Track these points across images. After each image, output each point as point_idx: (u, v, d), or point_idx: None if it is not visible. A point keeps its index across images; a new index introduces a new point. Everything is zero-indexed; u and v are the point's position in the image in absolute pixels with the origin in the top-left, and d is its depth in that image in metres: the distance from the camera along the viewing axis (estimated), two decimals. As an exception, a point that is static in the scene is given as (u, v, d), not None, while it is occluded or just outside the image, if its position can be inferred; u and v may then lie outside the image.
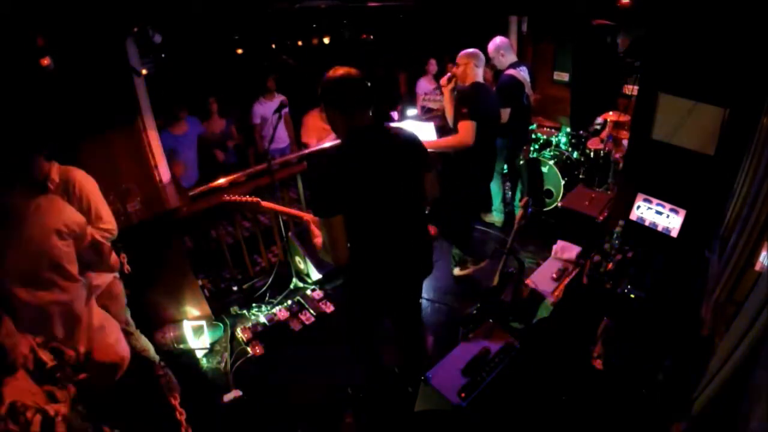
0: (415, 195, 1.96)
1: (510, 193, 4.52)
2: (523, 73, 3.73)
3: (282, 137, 4.64)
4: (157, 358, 2.67)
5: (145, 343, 2.60)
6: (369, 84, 1.75)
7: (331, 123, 1.85)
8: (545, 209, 4.51)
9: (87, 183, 2.15)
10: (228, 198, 2.49)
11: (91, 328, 1.99)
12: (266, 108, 4.43)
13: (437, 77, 5.40)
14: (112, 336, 2.12)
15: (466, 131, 2.92)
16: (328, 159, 1.82)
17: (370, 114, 1.82)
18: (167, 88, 4.37)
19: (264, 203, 2.47)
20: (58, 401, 1.38)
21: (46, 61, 2.11)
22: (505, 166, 4.20)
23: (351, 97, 1.73)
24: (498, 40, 3.74)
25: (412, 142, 1.92)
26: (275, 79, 4.52)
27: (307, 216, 2.28)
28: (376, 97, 1.89)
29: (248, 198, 2.47)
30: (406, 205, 1.93)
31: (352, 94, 1.73)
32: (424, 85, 5.33)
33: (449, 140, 3.06)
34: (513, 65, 3.72)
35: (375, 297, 2.08)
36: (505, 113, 3.67)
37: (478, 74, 3.10)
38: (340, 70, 1.73)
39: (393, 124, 3.38)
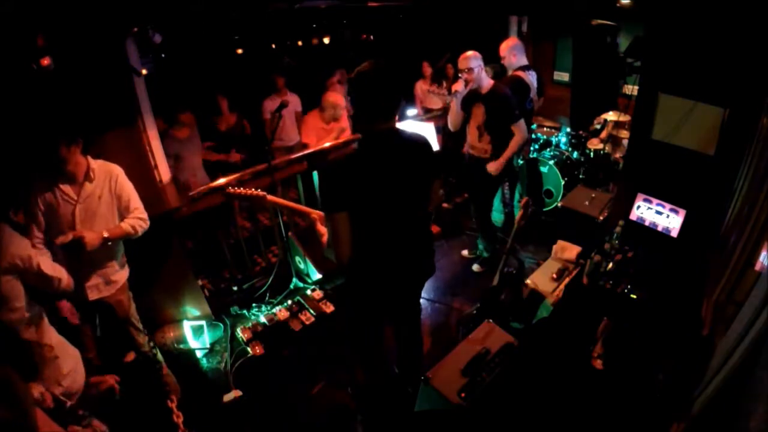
0: (421, 198, 1.96)
1: (509, 193, 4.52)
2: (530, 77, 3.75)
3: (291, 136, 4.63)
4: (161, 359, 2.67)
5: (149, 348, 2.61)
6: (400, 79, 1.72)
7: (361, 111, 1.82)
8: (545, 209, 4.51)
9: (124, 178, 2.30)
10: (233, 191, 2.49)
11: (43, 358, 1.92)
12: (276, 105, 4.44)
13: (436, 78, 5.40)
14: (67, 366, 2.00)
15: (522, 129, 3.26)
16: (340, 156, 1.81)
17: (395, 115, 1.80)
18: (168, 88, 4.37)
19: (270, 197, 2.47)
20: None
21: (46, 61, 2.12)
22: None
23: (379, 96, 1.71)
24: (513, 40, 3.77)
25: (424, 146, 1.93)
26: (284, 79, 4.52)
27: (314, 213, 2.28)
28: (403, 95, 1.88)
29: (255, 192, 2.47)
30: (412, 208, 1.93)
31: (381, 91, 1.71)
32: (422, 87, 5.33)
33: (516, 143, 3.27)
34: (522, 68, 3.73)
35: (376, 298, 2.08)
36: None
37: (485, 74, 3.22)
38: (372, 66, 1.70)
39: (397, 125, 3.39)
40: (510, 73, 3.79)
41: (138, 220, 2.30)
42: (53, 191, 2.11)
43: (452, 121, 3.45)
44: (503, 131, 3.23)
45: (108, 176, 2.22)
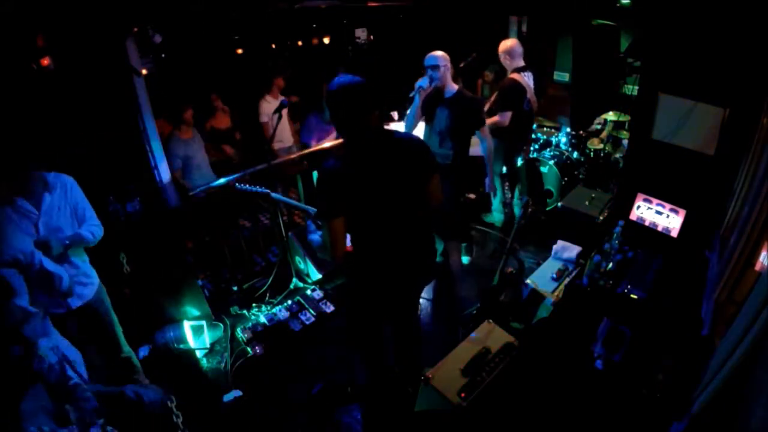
0: (417, 199, 1.95)
1: (510, 193, 4.52)
2: (527, 79, 3.74)
3: (287, 136, 4.62)
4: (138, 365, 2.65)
5: (129, 350, 2.59)
6: (373, 89, 1.75)
7: (336, 126, 1.86)
8: (546, 209, 4.51)
9: (77, 187, 2.24)
10: (240, 186, 2.58)
11: None
12: (273, 107, 4.43)
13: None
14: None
15: (489, 132, 3.23)
16: (333, 161, 1.83)
17: (376, 118, 1.82)
18: (169, 88, 4.36)
19: (273, 195, 2.55)
20: (70, 423, 1.31)
21: (46, 61, 2.12)
22: (504, 168, 4.21)
23: (355, 103, 1.74)
24: (509, 42, 3.74)
25: (418, 146, 1.93)
26: (284, 79, 4.51)
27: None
28: (381, 102, 1.91)
29: (259, 189, 2.56)
30: (408, 210, 1.93)
31: (355, 100, 1.73)
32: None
33: (489, 150, 3.25)
34: (518, 70, 3.72)
35: (376, 297, 2.08)
36: (506, 117, 3.68)
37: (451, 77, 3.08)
38: (343, 77, 1.74)
39: (393, 125, 3.39)
40: (508, 75, 3.79)
41: (94, 227, 2.28)
42: (12, 206, 2.03)
43: (410, 122, 3.17)
44: (467, 137, 3.10)
45: (63, 187, 2.19)
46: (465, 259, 3.78)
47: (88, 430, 1.35)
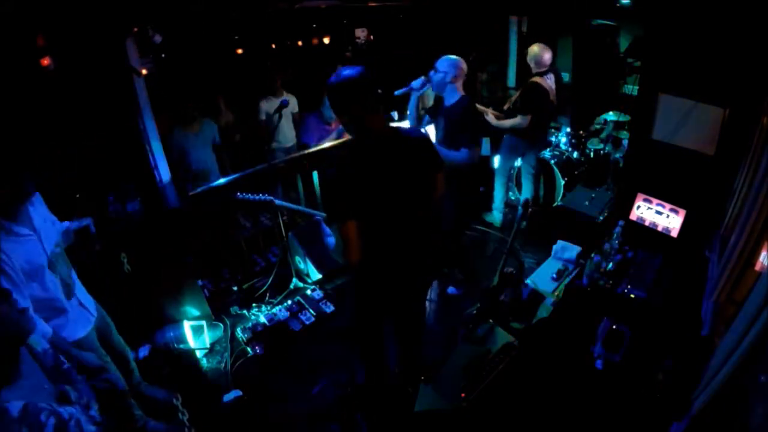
0: (423, 196, 1.94)
1: (513, 192, 4.52)
2: (549, 81, 3.78)
3: (288, 137, 4.62)
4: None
5: (131, 354, 2.58)
6: (376, 80, 1.71)
7: (343, 124, 1.82)
8: (551, 206, 4.50)
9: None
10: (242, 196, 2.57)
11: None
12: (273, 106, 4.41)
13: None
14: None
15: (477, 152, 2.93)
16: (339, 162, 1.77)
17: (381, 114, 1.80)
18: (169, 88, 4.35)
19: (277, 203, 2.53)
20: (71, 402, 1.34)
21: (46, 61, 2.11)
22: (519, 161, 4.21)
23: (361, 97, 1.69)
24: (535, 48, 3.77)
25: (424, 144, 1.91)
26: (282, 78, 4.51)
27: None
28: (383, 96, 1.87)
29: (262, 198, 2.54)
30: (415, 208, 1.92)
31: (361, 92, 1.69)
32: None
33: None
34: (540, 73, 3.75)
35: (382, 297, 2.08)
36: (527, 120, 3.72)
37: (455, 86, 2.94)
38: (347, 70, 1.69)
39: (394, 124, 3.40)
40: (531, 78, 3.84)
41: (63, 223, 2.14)
42: (9, 236, 1.76)
43: (416, 117, 3.09)
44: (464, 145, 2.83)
45: (35, 194, 1.99)
46: (451, 290, 3.48)
47: (89, 411, 1.38)
